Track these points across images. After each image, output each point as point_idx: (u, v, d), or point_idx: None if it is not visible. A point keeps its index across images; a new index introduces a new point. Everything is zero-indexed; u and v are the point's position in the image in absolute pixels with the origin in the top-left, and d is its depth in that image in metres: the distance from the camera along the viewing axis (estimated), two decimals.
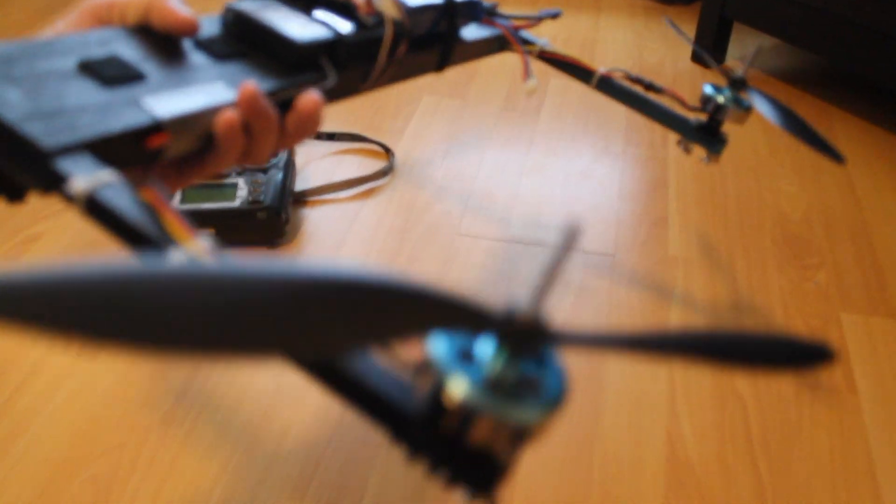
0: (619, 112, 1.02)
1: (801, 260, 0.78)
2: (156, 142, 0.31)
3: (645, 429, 0.61)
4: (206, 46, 0.36)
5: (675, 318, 0.71)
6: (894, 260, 0.78)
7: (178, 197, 0.76)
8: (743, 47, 1.19)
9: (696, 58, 1.16)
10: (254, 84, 0.34)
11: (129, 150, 0.30)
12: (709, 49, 1.12)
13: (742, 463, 0.58)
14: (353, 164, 0.92)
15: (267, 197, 0.76)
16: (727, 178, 0.89)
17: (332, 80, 0.38)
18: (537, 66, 0.61)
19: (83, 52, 0.33)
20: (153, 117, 0.31)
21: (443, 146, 0.95)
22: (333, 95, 0.39)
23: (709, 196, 0.87)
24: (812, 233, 0.82)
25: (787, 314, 0.71)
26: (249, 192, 0.76)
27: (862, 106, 1.04)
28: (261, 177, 0.78)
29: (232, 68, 0.36)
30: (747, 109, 0.57)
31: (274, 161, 0.80)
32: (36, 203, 0.81)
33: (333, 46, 0.38)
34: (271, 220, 0.76)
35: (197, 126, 0.33)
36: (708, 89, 0.57)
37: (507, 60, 1.15)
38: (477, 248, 0.79)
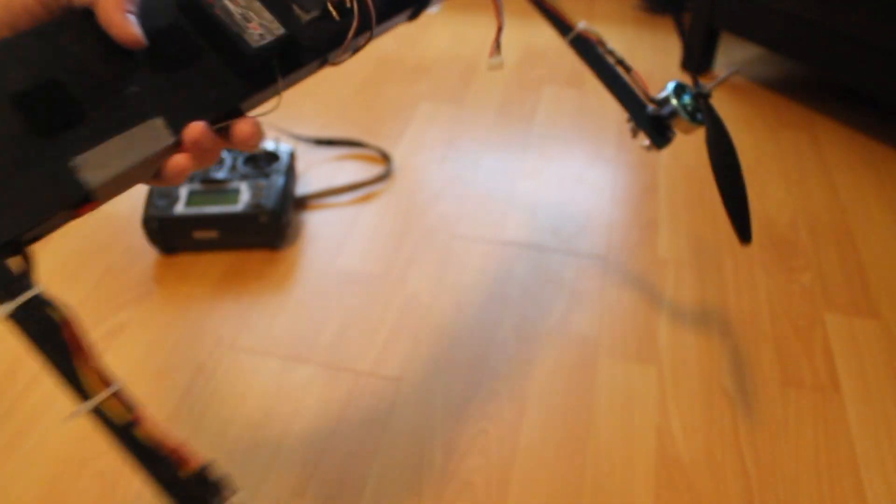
0: (611, 119, 1.05)
1: (787, 262, 0.80)
2: (87, 210, 0.29)
3: (635, 426, 0.62)
4: (152, 49, 0.32)
5: (665, 318, 0.73)
6: (877, 262, 0.80)
7: (182, 201, 0.78)
8: (730, 56, 1.22)
9: (686, 66, 1.18)
10: (199, 127, 0.32)
11: (56, 221, 0.28)
12: (697, 57, 1.14)
13: (730, 459, 0.60)
14: (353, 169, 0.93)
15: (269, 201, 0.78)
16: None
17: (282, 86, 0.35)
18: (524, 26, 0.61)
19: (16, 69, 0.29)
20: (86, 189, 0.28)
21: (440, 151, 0.97)
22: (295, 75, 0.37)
23: (698, 200, 0.89)
24: (798, 236, 0.84)
25: (773, 314, 0.73)
26: (252, 197, 0.78)
27: (846, 114, 1.07)
28: (263, 181, 0.80)
29: (178, 90, 0.32)
30: (698, 124, 0.55)
31: (276, 166, 0.82)
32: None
33: (290, 48, 0.35)
34: (273, 224, 0.78)
35: (135, 176, 0.31)
36: (669, 87, 0.56)
37: (505, 68, 1.18)
38: (473, 251, 0.81)
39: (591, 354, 0.69)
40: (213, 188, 0.79)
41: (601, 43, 0.56)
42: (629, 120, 0.58)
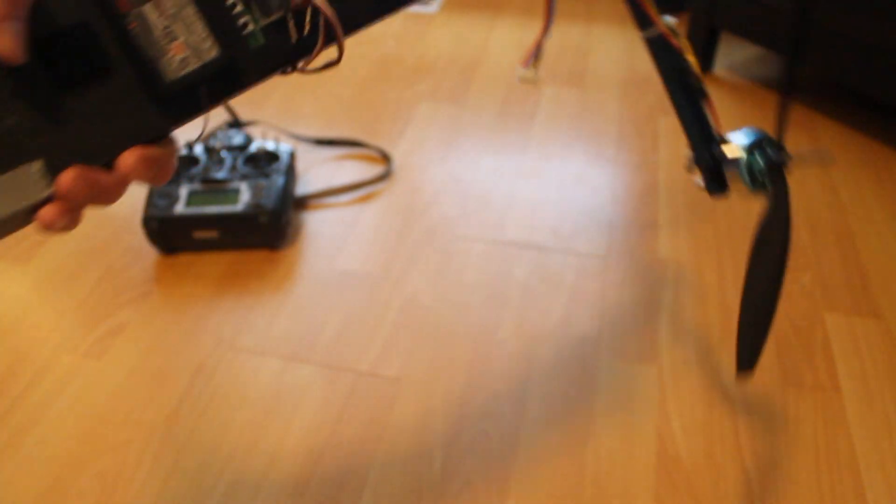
0: (611, 119, 1.05)
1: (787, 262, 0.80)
2: None
3: (635, 426, 0.62)
4: (38, 66, 0.27)
5: (665, 318, 0.73)
6: (877, 262, 0.80)
7: (182, 201, 0.78)
8: (730, 56, 1.22)
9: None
10: (73, 174, 0.26)
11: None
12: (698, 56, 1.14)
13: (729, 459, 0.60)
14: (353, 169, 0.93)
15: (269, 201, 0.78)
16: None
17: (206, 108, 0.29)
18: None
19: None
20: None
21: (440, 151, 0.97)
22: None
23: (698, 201, 0.89)
24: (798, 236, 0.84)
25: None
26: (252, 197, 0.78)
27: (846, 113, 1.07)
28: (263, 181, 0.80)
29: (68, 123, 0.27)
30: (756, 192, 0.46)
31: (276, 166, 0.82)
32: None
33: (227, 72, 0.29)
34: (273, 224, 0.78)
35: (3, 230, 0.27)
36: (745, 135, 0.46)
37: (504, 68, 1.18)
38: (473, 251, 0.81)
39: (591, 354, 0.69)
40: (213, 188, 0.79)
41: (682, 53, 0.47)
42: (687, 159, 0.50)
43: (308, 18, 0.29)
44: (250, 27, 0.29)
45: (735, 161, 0.45)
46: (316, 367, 0.67)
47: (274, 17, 0.29)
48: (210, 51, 0.28)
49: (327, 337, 0.70)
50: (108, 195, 0.28)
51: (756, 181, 0.45)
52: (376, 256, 0.80)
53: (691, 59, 0.46)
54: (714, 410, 0.64)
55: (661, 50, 0.47)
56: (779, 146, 0.45)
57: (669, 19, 0.46)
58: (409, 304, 0.74)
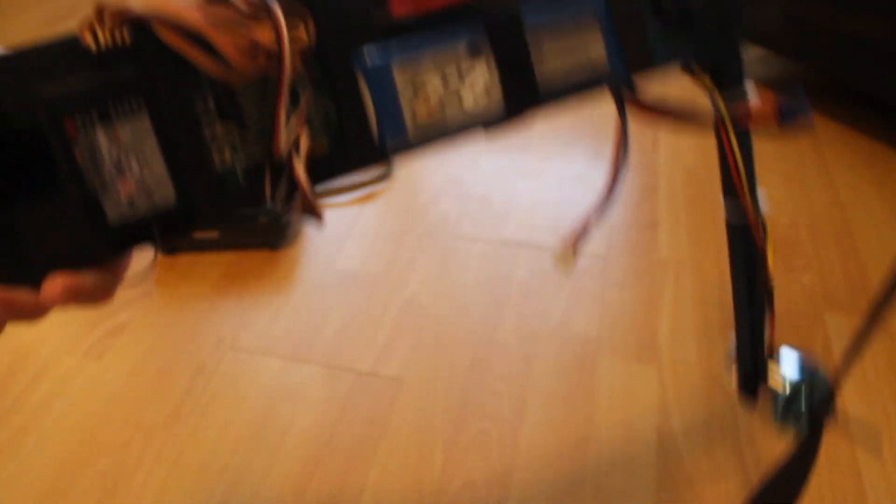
0: (610, 119, 1.05)
1: (787, 262, 0.80)
2: None
3: (635, 426, 0.63)
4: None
5: (665, 318, 0.73)
6: (876, 262, 0.80)
7: None
8: None
9: (685, 69, 1.18)
10: None
11: None
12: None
13: (730, 458, 0.60)
14: None
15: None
16: (716, 184, 0.91)
17: (158, 242, 0.26)
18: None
19: None
20: None
21: (439, 151, 0.97)
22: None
23: (699, 201, 0.89)
24: (798, 236, 0.84)
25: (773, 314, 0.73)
26: None
27: (846, 113, 1.07)
28: None
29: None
30: (785, 428, 0.41)
31: None
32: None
33: (182, 216, 0.25)
34: (273, 224, 0.78)
35: None
36: (797, 369, 0.41)
37: None
38: (473, 251, 0.81)
39: (591, 354, 0.69)
40: None
41: (764, 250, 0.39)
42: (732, 346, 0.44)
43: (284, 180, 0.26)
44: (227, 164, 0.26)
45: (773, 392, 0.40)
46: (316, 366, 0.67)
47: (254, 162, 0.26)
48: (165, 194, 0.25)
49: (327, 337, 0.70)
50: (27, 317, 0.25)
51: (788, 418, 0.41)
52: (376, 256, 0.80)
53: (771, 256, 0.41)
54: (714, 410, 0.64)
55: (742, 240, 0.42)
56: (829, 397, 0.39)
57: (750, 91, 0.37)
58: (409, 304, 0.74)
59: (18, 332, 0.71)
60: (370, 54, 0.27)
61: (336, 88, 0.27)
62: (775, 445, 0.61)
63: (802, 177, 0.94)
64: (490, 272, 0.78)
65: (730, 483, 0.58)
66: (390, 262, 0.79)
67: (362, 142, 0.28)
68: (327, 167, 0.28)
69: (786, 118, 0.35)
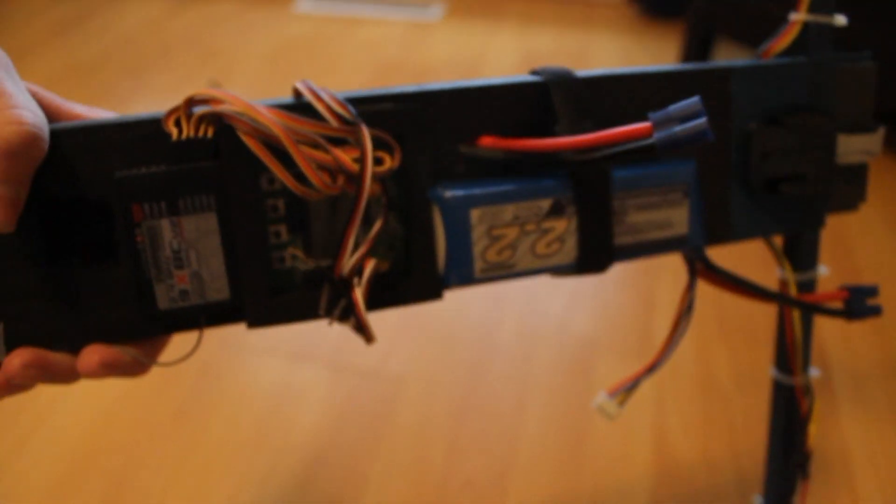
0: None
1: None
2: None
3: (633, 425, 0.63)
4: (47, 225, 0.24)
5: (664, 318, 0.74)
6: (871, 266, 0.81)
7: None
8: (726, 58, 1.23)
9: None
10: (22, 359, 0.24)
11: None
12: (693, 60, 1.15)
13: (727, 457, 0.61)
14: None
15: None
16: None
17: (202, 327, 0.26)
18: None
19: None
20: None
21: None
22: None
23: None
24: None
25: (769, 314, 0.74)
26: None
27: None
28: None
29: (42, 295, 0.24)
30: None
31: None
32: None
33: (231, 311, 0.26)
34: None
35: None
36: None
37: (505, 74, 1.19)
38: None
39: (590, 354, 0.70)
40: None
41: (808, 419, 0.38)
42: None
43: (343, 300, 0.26)
44: (287, 267, 0.26)
45: None
46: (319, 366, 0.68)
47: (314, 271, 0.26)
48: (219, 291, 0.25)
49: (330, 337, 0.71)
50: (60, 381, 0.26)
51: None
52: None
53: (813, 429, 0.39)
54: (711, 409, 0.65)
55: (785, 400, 0.41)
56: None
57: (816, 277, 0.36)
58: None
59: None
60: (451, 190, 0.27)
61: (410, 215, 0.27)
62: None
63: None
64: None
65: (727, 481, 0.59)
66: None
67: (426, 271, 0.28)
68: (386, 293, 0.28)
69: (854, 316, 0.36)
